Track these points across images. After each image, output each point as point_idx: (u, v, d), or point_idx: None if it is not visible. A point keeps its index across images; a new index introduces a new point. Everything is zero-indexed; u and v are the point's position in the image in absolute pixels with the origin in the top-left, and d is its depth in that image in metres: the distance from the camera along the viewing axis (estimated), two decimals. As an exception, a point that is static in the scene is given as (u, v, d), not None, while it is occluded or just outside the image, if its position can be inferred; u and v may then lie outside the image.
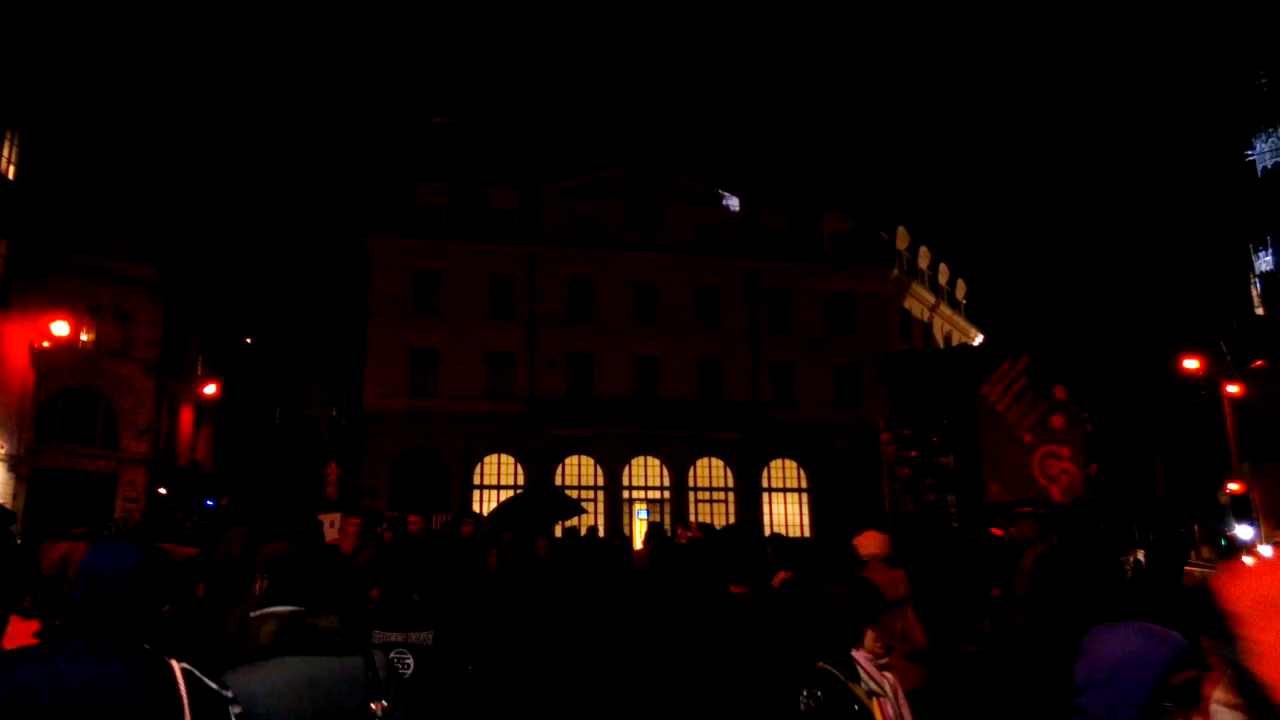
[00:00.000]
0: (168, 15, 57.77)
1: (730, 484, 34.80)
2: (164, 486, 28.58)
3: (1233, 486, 25.52)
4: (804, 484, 35.31)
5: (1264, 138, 68.19)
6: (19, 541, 7.52)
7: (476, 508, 29.74)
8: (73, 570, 5.64)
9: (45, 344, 24.93)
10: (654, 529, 9.50)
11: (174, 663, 1.85)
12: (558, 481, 32.58)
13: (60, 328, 24.29)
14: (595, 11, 78.54)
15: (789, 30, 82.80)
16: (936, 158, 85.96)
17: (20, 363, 25.30)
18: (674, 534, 10.59)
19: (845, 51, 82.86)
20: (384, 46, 77.82)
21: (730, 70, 77.86)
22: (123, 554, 2.01)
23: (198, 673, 1.87)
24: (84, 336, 28.16)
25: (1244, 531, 28.26)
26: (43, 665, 1.80)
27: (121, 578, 1.94)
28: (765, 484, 35.21)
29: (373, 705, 2.14)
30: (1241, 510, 26.08)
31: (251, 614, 2.38)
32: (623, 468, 34.11)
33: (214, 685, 1.89)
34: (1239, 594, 1.75)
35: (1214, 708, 1.85)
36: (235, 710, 1.90)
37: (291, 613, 2.24)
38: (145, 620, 1.93)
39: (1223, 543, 28.66)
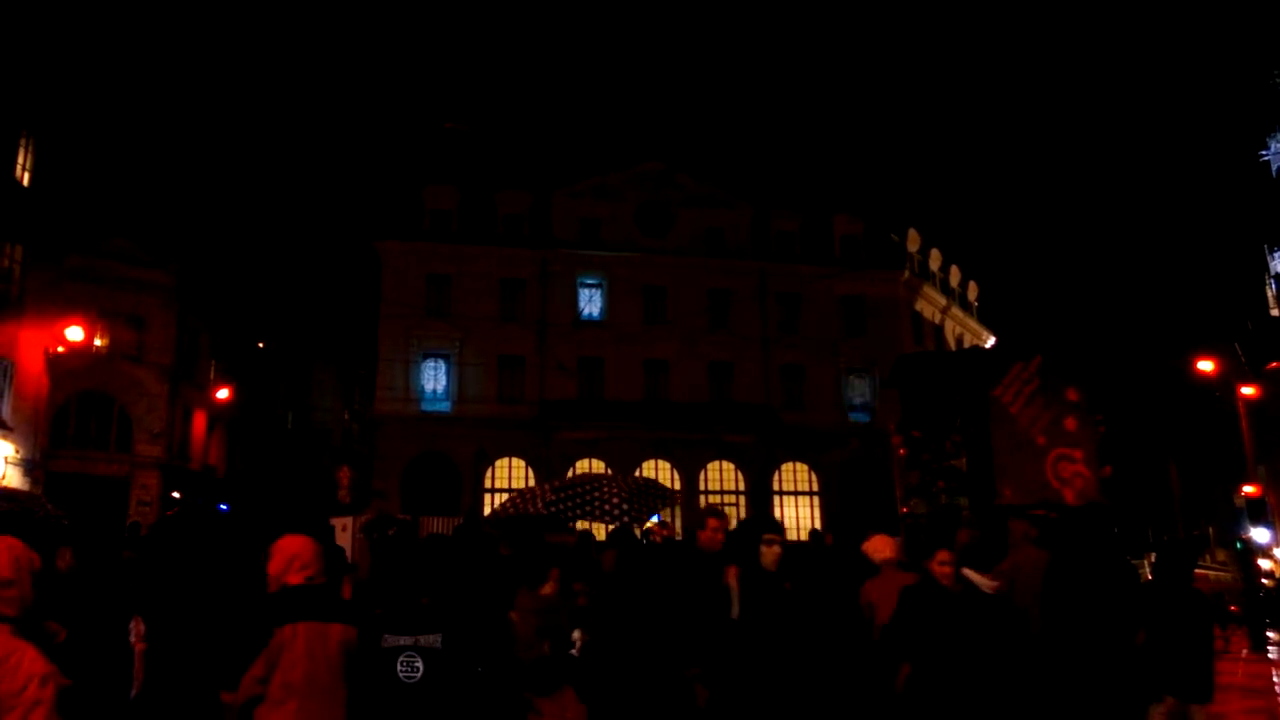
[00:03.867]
0: (181, 21, 58.26)
1: (742, 487, 34.72)
2: (177, 490, 28.71)
3: (1248, 489, 25.26)
4: (815, 487, 35.21)
5: (1278, 138, 67.64)
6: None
7: (487, 511, 29.76)
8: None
9: (60, 349, 25.12)
10: (619, 531, 8.82)
11: None
12: (568, 485, 32.53)
13: (75, 333, 24.50)
14: (604, 15, 78.76)
15: (799, 32, 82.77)
16: (948, 159, 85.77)
17: (35, 367, 25.48)
18: (646, 535, 10.30)
19: (856, 53, 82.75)
20: (395, 52, 78.21)
21: (740, 73, 77.88)
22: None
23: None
24: (98, 341, 28.31)
25: (1260, 534, 28.02)
26: None
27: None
28: (776, 487, 35.11)
29: None
30: (1257, 513, 25.83)
31: None
32: (634, 471, 34.02)
33: None
34: None
35: None
36: None
37: None
38: None
39: (1238, 546, 28.40)
